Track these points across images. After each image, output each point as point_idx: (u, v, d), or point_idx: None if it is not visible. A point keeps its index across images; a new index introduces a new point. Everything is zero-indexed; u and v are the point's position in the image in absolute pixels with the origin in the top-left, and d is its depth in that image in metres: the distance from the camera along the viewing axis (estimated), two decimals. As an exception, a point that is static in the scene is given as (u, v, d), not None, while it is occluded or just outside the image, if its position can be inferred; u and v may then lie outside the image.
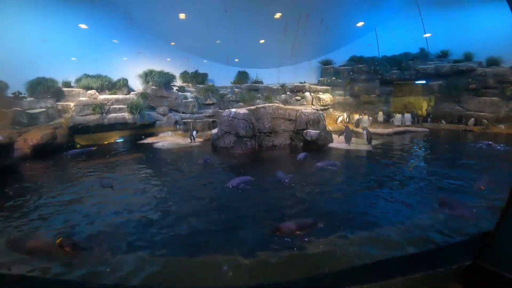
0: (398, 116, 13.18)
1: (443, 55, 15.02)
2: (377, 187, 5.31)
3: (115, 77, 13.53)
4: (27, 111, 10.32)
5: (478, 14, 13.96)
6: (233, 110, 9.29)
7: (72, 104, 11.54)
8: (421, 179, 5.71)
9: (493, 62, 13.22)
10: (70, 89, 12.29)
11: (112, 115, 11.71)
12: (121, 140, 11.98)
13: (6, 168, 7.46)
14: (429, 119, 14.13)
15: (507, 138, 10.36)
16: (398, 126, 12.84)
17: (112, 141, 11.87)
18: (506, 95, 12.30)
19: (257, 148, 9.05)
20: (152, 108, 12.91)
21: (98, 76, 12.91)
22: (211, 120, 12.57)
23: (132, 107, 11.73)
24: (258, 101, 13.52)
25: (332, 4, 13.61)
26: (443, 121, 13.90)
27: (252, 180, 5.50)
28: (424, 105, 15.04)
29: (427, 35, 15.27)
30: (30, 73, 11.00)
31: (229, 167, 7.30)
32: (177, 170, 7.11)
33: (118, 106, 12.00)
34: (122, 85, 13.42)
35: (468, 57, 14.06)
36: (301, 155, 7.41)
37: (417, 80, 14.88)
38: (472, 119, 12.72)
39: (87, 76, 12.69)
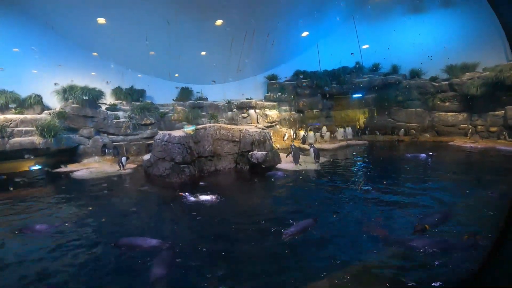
0: (340, 130, 13.72)
1: (375, 68, 15.98)
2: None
3: (24, 93, 11.09)
4: None
5: (401, 26, 14.98)
6: (167, 133, 8.22)
7: None
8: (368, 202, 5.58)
9: (415, 74, 14.34)
10: None
11: (16, 139, 9.50)
12: (38, 167, 9.97)
13: None
14: (366, 132, 15.10)
15: (434, 145, 11.57)
16: (340, 140, 13.34)
17: (26, 169, 9.84)
18: (428, 105, 13.71)
19: (198, 174, 8.06)
20: (73, 130, 10.84)
21: (1, 92, 10.40)
22: (148, 142, 11.06)
23: (44, 129, 9.59)
24: (203, 119, 12.58)
25: (276, 17, 13.71)
26: (377, 132, 14.97)
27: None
28: (361, 118, 16.05)
29: (365, 46, 16.05)
30: None
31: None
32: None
33: (24, 128, 9.77)
34: (34, 102, 11.05)
35: (395, 70, 15.12)
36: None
37: (354, 93, 15.64)
38: (402, 129, 13.91)
39: None
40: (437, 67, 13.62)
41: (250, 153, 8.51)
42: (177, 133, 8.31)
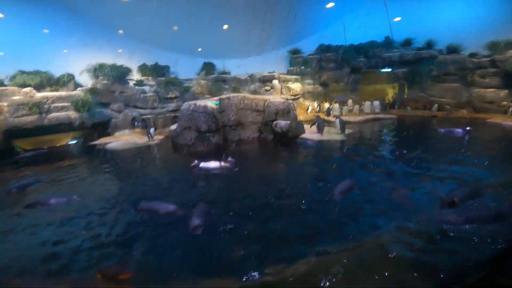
0: (367, 103, 13.16)
1: (407, 43, 15.29)
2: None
3: (58, 72, 11.74)
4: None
5: (439, 2, 14.24)
6: (193, 102, 8.34)
7: (5, 104, 9.71)
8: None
9: (453, 49, 13.57)
10: (3, 88, 10.35)
11: (54, 114, 10.14)
12: (75, 141, 10.72)
13: None
14: (395, 106, 14.37)
15: (470, 122, 10.68)
16: (367, 114, 12.77)
17: (63, 143, 10.54)
18: (466, 81, 12.76)
19: (222, 143, 8.20)
20: (105, 105, 11.41)
21: (36, 72, 11.07)
22: (173, 115, 11.41)
23: (78, 105, 10.18)
24: (225, 92, 12.61)
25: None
26: (408, 107, 14.26)
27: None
28: (390, 92, 15.28)
29: (397, 19, 15.15)
30: None
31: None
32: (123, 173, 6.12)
33: (60, 104, 10.41)
34: (67, 81, 11.69)
35: (430, 45, 14.37)
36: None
37: (383, 68, 15.03)
38: (436, 105, 13.15)
39: (22, 72, 10.82)
40: (475, 44, 12.80)
41: (274, 122, 8.42)
42: (202, 102, 8.41)
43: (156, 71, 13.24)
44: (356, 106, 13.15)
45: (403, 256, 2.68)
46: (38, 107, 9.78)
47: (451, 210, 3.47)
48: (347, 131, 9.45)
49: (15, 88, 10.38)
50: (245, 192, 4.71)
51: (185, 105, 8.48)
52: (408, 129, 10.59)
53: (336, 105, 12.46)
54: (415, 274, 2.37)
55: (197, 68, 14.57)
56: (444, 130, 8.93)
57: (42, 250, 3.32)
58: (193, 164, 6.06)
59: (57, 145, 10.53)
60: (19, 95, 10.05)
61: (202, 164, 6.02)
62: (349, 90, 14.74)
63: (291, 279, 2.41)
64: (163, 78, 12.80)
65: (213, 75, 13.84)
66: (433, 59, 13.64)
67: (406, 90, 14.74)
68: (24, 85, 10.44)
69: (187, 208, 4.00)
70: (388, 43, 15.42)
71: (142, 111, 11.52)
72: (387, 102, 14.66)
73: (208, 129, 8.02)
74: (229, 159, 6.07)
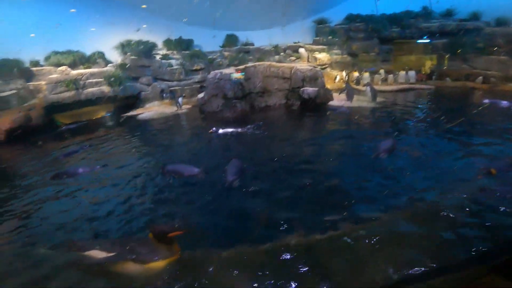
0: (402, 73, 12.31)
1: (448, 14, 14.42)
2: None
3: (88, 51, 12.24)
4: (-4, 95, 9.27)
5: None
6: (219, 71, 8.37)
7: (43, 83, 10.46)
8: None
9: (503, 22, 12.69)
10: (40, 68, 11.13)
11: (89, 89, 10.70)
12: (109, 114, 11.23)
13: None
14: (433, 77, 13.33)
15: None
16: (401, 83, 11.92)
17: (99, 116, 11.12)
18: None
19: (249, 110, 8.15)
20: (135, 79, 11.83)
21: (68, 52, 11.67)
22: (200, 85, 11.56)
23: (111, 80, 10.68)
24: (249, 63, 12.44)
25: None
26: (447, 78, 13.18)
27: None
28: (427, 63, 14.15)
29: None
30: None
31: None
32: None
33: (94, 80, 10.95)
34: (98, 58, 12.19)
35: (475, 17, 13.54)
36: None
37: (420, 38, 13.98)
38: (481, 77, 12.09)
39: (56, 53, 11.45)
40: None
41: (302, 89, 8.15)
42: (228, 70, 8.35)
43: (181, 45, 13.31)
44: (390, 76, 12.33)
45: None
46: (74, 83, 10.36)
47: (488, 180, 3.34)
48: (378, 99, 8.92)
49: (51, 67, 11.08)
50: (276, 155, 4.67)
51: (211, 74, 8.48)
52: (447, 100, 9.81)
53: (366, 74, 11.77)
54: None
55: (220, 41, 14.39)
56: (489, 101, 8.27)
57: (88, 212, 3.56)
58: (211, 130, 6.19)
59: (94, 118, 11.10)
60: (56, 73, 10.70)
61: (221, 131, 6.09)
62: (379, 61, 13.83)
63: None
64: (187, 52, 12.87)
65: (236, 47, 13.65)
66: (479, 31, 12.82)
67: (445, 61, 13.67)
68: (58, 65, 11.07)
69: (213, 170, 4.11)
70: (426, 13, 14.54)
71: (169, 83, 11.81)
72: (423, 73, 13.62)
73: (234, 95, 7.99)
74: (249, 126, 6.09)
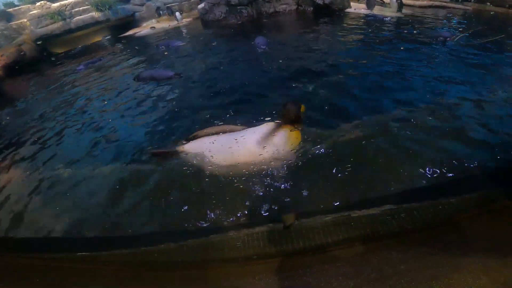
0: (434, -12, 10.55)
1: None
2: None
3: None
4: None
5: None
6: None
7: (25, 20, 9.98)
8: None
9: None
10: (16, 8, 10.63)
11: (78, 18, 10.13)
12: (107, 37, 10.84)
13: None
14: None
15: None
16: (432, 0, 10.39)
17: (97, 40, 10.75)
18: None
19: (256, 16, 7.39)
20: (125, 1, 10.99)
21: None
22: (199, -1, 10.58)
23: (98, 4, 10.00)
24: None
25: None
26: (488, 3, 11.31)
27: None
28: (466, -17, 12.05)
29: None
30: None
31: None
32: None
33: (81, 8, 10.31)
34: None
35: None
36: None
37: None
38: None
39: None
40: None
41: (316, -8, 7.17)
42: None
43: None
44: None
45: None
46: (59, 14, 9.78)
47: None
48: (404, 11, 7.83)
49: (28, 5, 10.48)
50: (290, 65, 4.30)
51: (213, -23, 7.51)
52: (484, 21, 8.48)
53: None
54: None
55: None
56: None
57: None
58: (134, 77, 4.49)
59: (91, 42, 10.72)
60: (35, 9, 10.12)
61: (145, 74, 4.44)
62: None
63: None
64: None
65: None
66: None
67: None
68: (34, 2, 10.40)
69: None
70: None
71: (165, 0, 10.84)
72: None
73: (239, 1, 7.19)
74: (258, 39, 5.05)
